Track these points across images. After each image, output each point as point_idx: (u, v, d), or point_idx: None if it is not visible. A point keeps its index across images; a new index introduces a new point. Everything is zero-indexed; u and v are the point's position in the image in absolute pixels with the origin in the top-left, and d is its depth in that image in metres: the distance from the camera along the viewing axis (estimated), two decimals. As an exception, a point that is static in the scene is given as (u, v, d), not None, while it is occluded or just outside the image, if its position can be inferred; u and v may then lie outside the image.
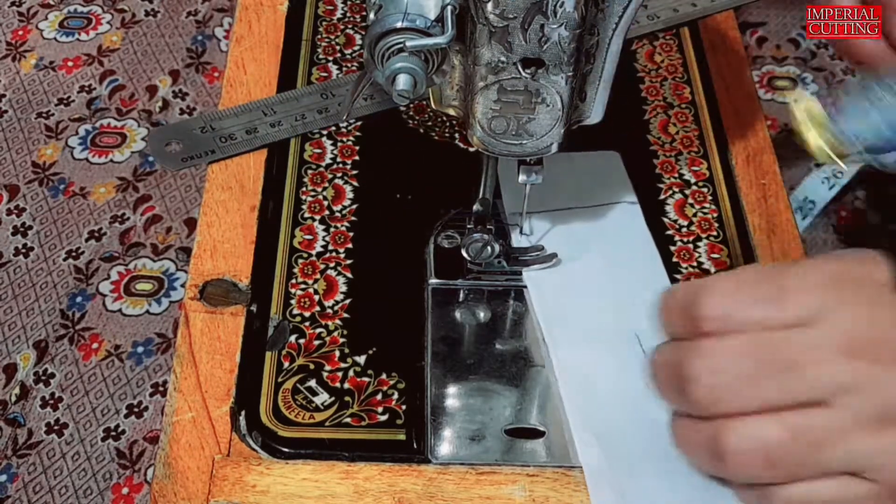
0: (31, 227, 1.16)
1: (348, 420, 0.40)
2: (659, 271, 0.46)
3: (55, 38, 1.36)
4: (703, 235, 0.48)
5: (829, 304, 0.32)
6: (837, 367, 0.31)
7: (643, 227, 0.47)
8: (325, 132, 0.51)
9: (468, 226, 0.44)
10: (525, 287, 0.45)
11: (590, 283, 0.45)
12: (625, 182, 0.48)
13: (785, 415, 0.32)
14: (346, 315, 0.44)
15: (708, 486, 0.38)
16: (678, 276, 0.46)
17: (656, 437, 0.39)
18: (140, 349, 1.06)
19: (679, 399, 0.34)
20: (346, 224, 0.47)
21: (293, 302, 0.44)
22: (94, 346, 1.06)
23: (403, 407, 0.41)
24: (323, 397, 0.41)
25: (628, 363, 0.42)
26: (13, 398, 1.02)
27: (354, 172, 0.49)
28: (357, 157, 0.50)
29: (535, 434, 0.40)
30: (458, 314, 0.44)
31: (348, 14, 0.57)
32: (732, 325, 0.33)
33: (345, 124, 0.51)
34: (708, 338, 0.33)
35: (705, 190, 0.49)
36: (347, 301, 0.44)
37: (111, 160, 1.23)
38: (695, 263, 0.47)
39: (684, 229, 0.48)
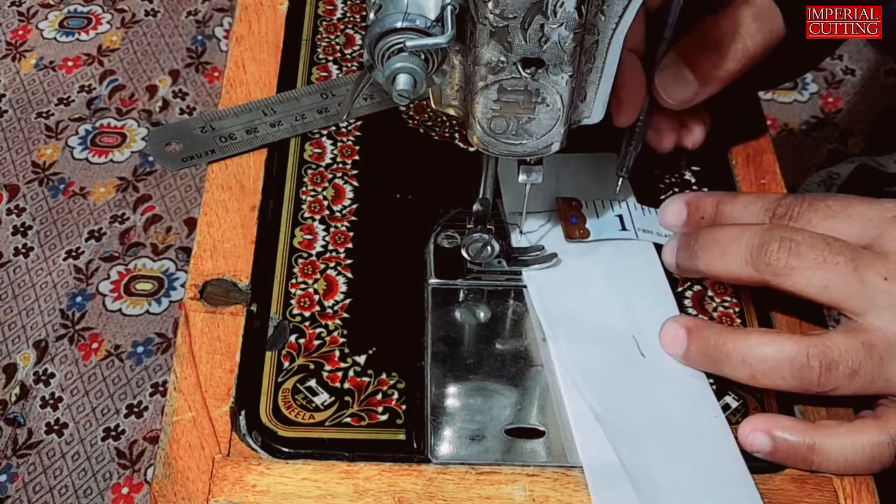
0: (31, 227, 1.16)
1: (348, 420, 0.40)
2: (658, 273, 0.45)
3: (55, 38, 1.36)
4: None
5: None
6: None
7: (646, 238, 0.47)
8: (325, 132, 0.51)
9: (468, 226, 0.44)
10: (525, 287, 0.45)
11: (589, 283, 0.45)
12: (625, 184, 0.48)
13: None
14: (346, 315, 0.44)
15: (712, 479, 0.38)
16: (678, 276, 0.46)
17: (657, 435, 0.40)
18: (140, 349, 1.07)
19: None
20: (346, 224, 0.47)
21: (293, 302, 0.44)
22: (94, 345, 1.07)
23: (403, 407, 0.41)
24: (323, 397, 0.41)
25: (628, 363, 0.42)
26: (13, 398, 1.02)
27: (354, 172, 0.49)
28: (357, 157, 0.50)
29: (535, 434, 0.40)
30: (458, 314, 0.44)
31: (348, 14, 0.57)
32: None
33: (345, 124, 0.51)
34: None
35: (705, 190, 0.49)
36: (347, 301, 0.44)
37: (111, 160, 1.23)
38: (695, 263, 0.47)
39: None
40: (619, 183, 0.47)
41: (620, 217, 0.47)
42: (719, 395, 0.41)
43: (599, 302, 0.44)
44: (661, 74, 0.45)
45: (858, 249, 0.38)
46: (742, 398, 0.41)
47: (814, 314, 0.44)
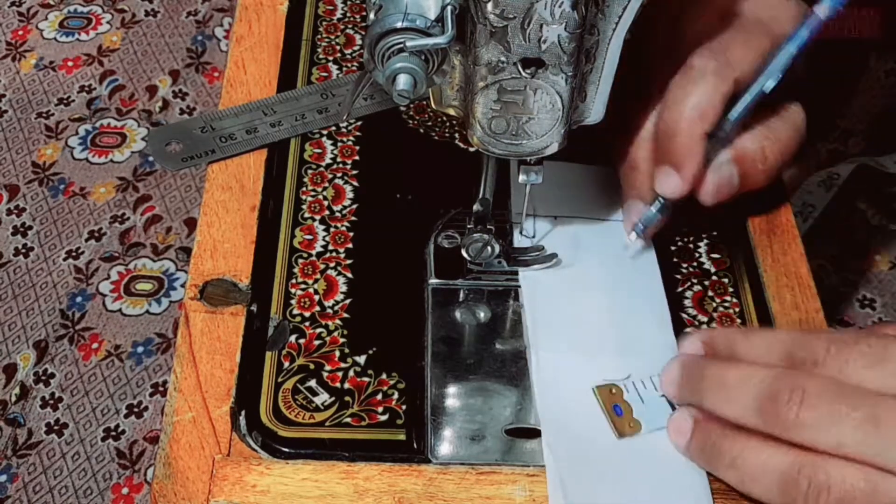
0: (31, 227, 1.16)
1: (348, 420, 0.40)
2: (657, 285, 0.45)
3: (55, 38, 1.36)
4: (703, 235, 0.48)
5: None
6: None
7: (649, 252, 0.47)
8: (325, 132, 0.51)
9: (468, 226, 0.44)
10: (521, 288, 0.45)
11: (584, 290, 0.45)
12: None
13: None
14: (346, 315, 0.44)
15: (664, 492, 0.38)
16: (677, 276, 0.46)
17: (622, 449, 0.39)
18: (140, 349, 1.06)
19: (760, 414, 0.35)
20: (346, 224, 0.47)
21: (293, 302, 0.44)
22: (94, 346, 1.06)
23: (403, 407, 0.41)
24: (323, 397, 0.41)
25: (607, 374, 0.42)
26: (13, 398, 1.02)
27: (354, 172, 0.49)
28: (357, 157, 0.50)
29: (535, 434, 0.40)
30: (458, 314, 0.44)
31: (348, 14, 0.57)
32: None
33: (345, 124, 0.51)
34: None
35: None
36: (347, 301, 0.44)
37: (111, 160, 1.23)
38: (695, 264, 0.47)
39: (684, 228, 0.48)
40: (632, 237, 0.45)
41: (666, 396, 0.41)
42: None
43: (591, 312, 0.44)
44: (719, 173, 0.43)
45: (881, 399, 0.33)
46: None
47: (815, 314, 0.44)
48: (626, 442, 0.39)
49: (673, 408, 0.40)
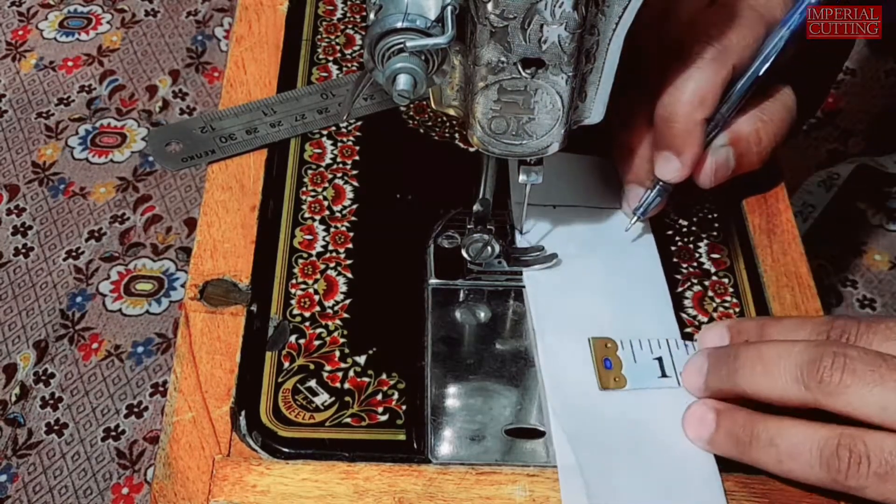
0: (31, 227, 1.16)
1: (348, 420, 0.40)
2: (658, 278, 0.45)
3: (55, 38, 1.36)
4: (703, 235, 0.48)
5: None
6: None
7: (648, 236, 0.47)
8: (325, 132, 0.51)
9: (468, 226, 0.44)
10: (525, 287, 0.45)
11: (587, 284, 0.45)
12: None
13: None
14: (346, 315, 0.44)
15: (678, 488, 0.38)
16: (678, 277, 0.46)
17: (634, 440, 0.39)
18: (140, 349, 1.06)
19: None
20: (346, 224, 0.47)
21: (293, 302, 0.44)
22: (94, 346, 1.07)
23: (403, 407, 0.41)
24: (323, 397, 0.41)
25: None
26: (13, 398, 1.02)
27: (354, 172, 0.49)
28: (357, 157, 0.50)
29: (535, 434, 0.40)
30: (458, 314, 0.44)
31: (348, 14, 0.57)
32: None
33: (345, 124, 0.51)
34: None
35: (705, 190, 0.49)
36: (347, 301, 0.44)
37: (111, 160, 1.23)
38: (695, 264, 0.47)
39: (684, 228, 0.48)
40: (633, 221, 0.46)
41: (660, 360, 0.42)
42: None
43: (594, 296, 0.44)
44: (716, 156, 0.43)
45: None
46: None
47: (814, 315, 0.44)
48: (606, 395, 0.40)
49: (664, 373, 0.41)
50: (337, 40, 0.56)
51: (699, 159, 0.43)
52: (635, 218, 0.46)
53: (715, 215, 0.49)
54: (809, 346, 0.36)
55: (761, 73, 0.42)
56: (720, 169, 0.44)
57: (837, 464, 0.34)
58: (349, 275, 0.45)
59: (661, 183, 0.44)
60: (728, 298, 0.45)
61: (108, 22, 1.39)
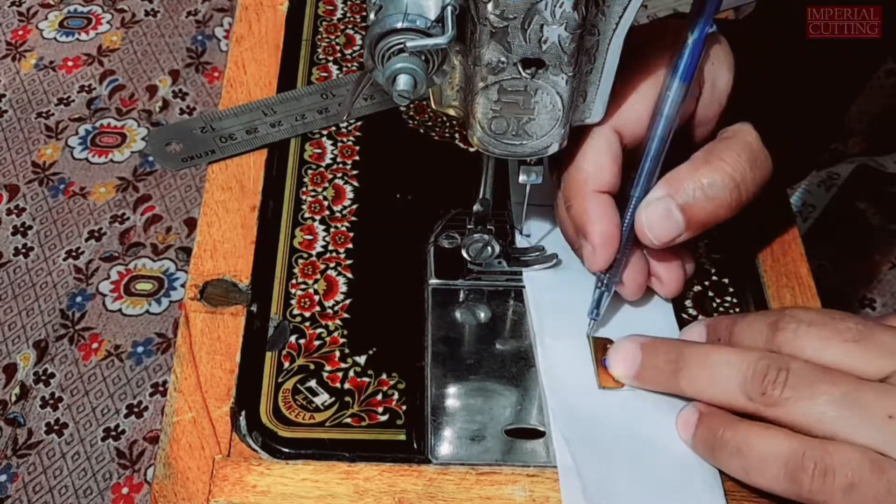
0: (31, 227, 1.16)
1: (348, 420, 0.40)
2: None
3: (55, 38, 1.36)
4: (703, 235, 0.48)
5: None
6: None
7: None
8: (325, 132, 0.51)
9: (468, 226, 0.44)
10: (525, 287, 0.45)
11: (587, 285, 0.45)
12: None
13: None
14: (346, 315, 0.44)
15: (678, 488, 0.38)
16: (678, 277, 0.46)
17: (634, 440, 0.39)
18: (140, 349, 1.07)
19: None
20: (346, 224, 0.47)
21: (293, 302, 0.44)
22: (94, 346, 1.07)
23: (403, 407, 0.41)
24: (323, 397, 0.41)
25: None
26: (13, 398, 1.02)
27: (354, 172, 0.49)
28: (357, 157, 0.50)
29: (535, 434, 0.40)
30: (458, 314, 0.44)
31: (348, 14, 0.57)
32: None
33: (345, 124, 0.51)
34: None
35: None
36: (347, 301, 0.44)
37: (111, 160, 1.23)
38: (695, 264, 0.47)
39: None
40: (591, 325, 0.42)
41: None
42: None
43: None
44: (648, 210, 0.39)
45: (861, 382, 0.35)
46: None
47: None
48: (606, 395, 0.40)
49: None
50: (337, 40, 0.56)
51: (617, 232, 0.40)
52: (593, 323, 0.42)
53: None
54: (753, 359, 0.36)
55: (667, 122, 0.38)
56: (657, 225, 0.39)
57: (802, 477, 0.34)
58: (349, 275, 0.45)
59: (598, 275, 0.42)
60: (728, 298, 0.45)
61: (108, 22, 1.39)
